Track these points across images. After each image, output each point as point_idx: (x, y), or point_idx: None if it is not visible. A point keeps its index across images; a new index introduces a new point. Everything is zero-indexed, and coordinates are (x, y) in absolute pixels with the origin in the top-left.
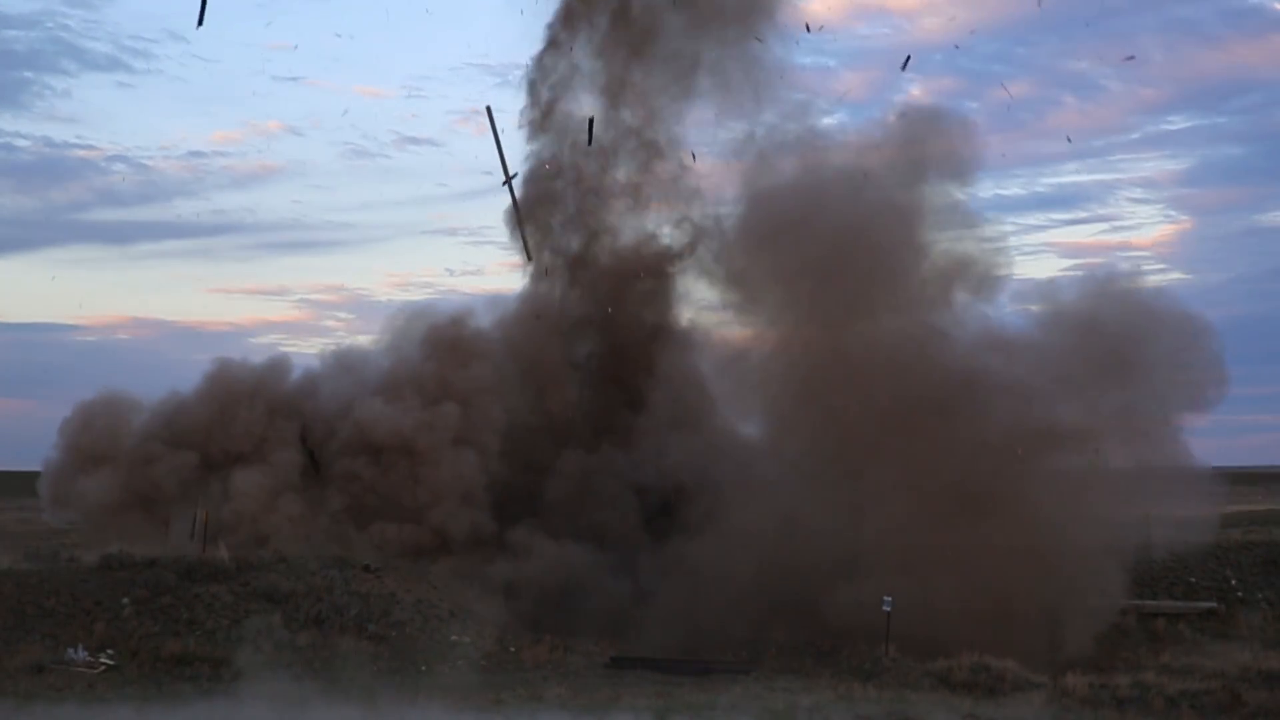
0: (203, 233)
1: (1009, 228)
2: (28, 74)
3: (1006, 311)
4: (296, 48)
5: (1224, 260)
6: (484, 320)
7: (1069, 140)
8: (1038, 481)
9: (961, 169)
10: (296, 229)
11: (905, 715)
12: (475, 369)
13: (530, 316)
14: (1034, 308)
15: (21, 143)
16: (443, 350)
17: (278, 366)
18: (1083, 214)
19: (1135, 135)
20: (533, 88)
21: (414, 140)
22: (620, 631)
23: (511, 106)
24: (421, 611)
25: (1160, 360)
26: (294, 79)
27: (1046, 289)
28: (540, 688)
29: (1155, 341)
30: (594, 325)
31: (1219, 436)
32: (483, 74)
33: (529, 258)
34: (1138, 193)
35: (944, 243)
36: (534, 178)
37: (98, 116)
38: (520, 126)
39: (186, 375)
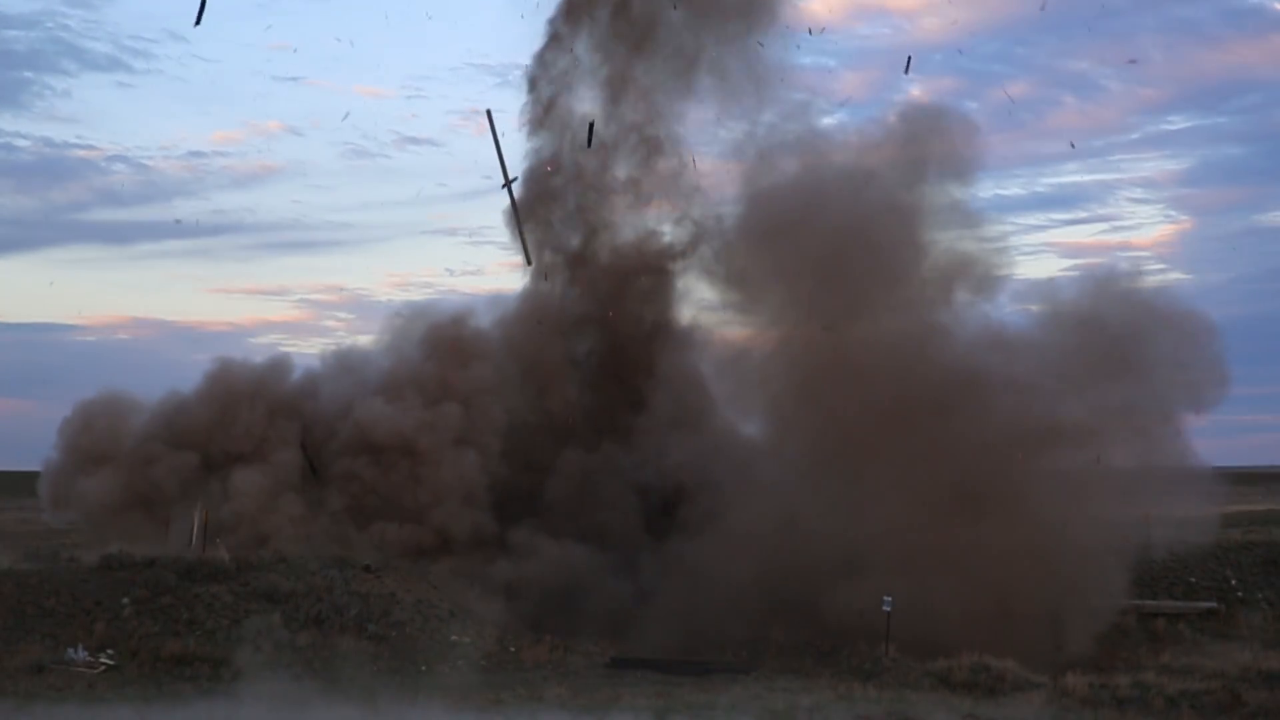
0: (203, 233)
1: (1009, 228)
2: (28, 74)
3: (1007, 311)
4: (296, 51)
5: (1224, 260)
6: (484, 320)
7: (1072, 145)
8: (1039, 481)
9: (962, 168)
10: (296, 229)
11: (905, 715)
12: (476, 369)
13: (531, 318)
14: (1034, 307)
15: (21, 143)
16: (443, 350)
17: (278, 366)
18: (1083, 214)
19: (1135, 135)
20: (533, 84)
21: (414, 140)
22: (621, 632)
23: (511, 107)
24: (421, 611)
25: (1162, 359)
26: (294, 79)
27: (1046, 289)
28: (540, 688)
29: (1157, 340)
30: (594, 323)
31: (1219, 436)
32: (483, 74)
33: (529, 262)
34: (1138, 193)
35: (945, 242)
36: (535, 176)
37: (98, 116)
38: (521, 127)
39: (186, 375)
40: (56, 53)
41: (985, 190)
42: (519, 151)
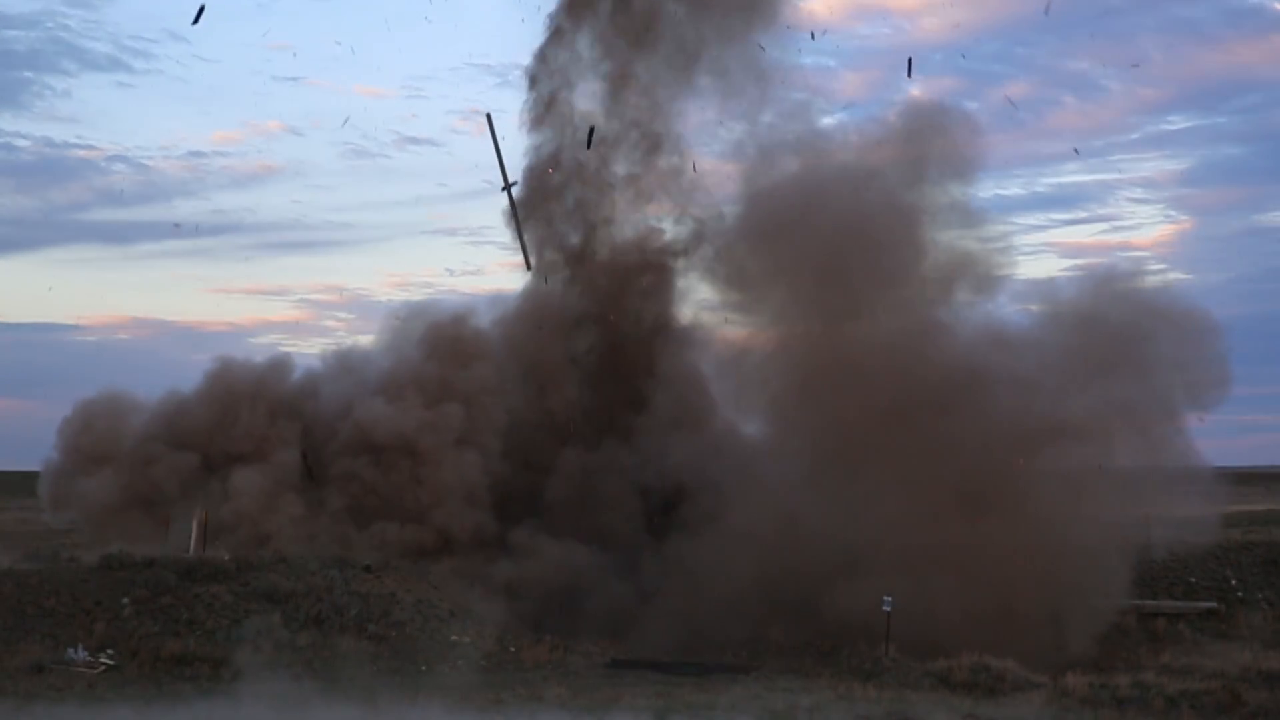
0: (203, 233)
1: (1009, 228)
2: (28, 74)
3: (1007, 311)
4: (295, 56)
5: (1224, 260)
6: (485, 319)
7: (1076, 151)
8: (1039, 480)
9: (963, 167)
10: (296, 229)
11: (905, 715)
12: (477, 368)
13: (532, 317)
14: (1034, 307)
15: (21, 143)
16: (444, 350)
17: (279, 366)
18: (1083, 214)
19: (1135, 135)
20: (534, 80)
21: (414, 140)
22: (622, 632)
23: (511, 107)
24: (421, 611)
25: (1163, 358)
26: (294, 79)
27: (1046, 288)
28: (540, 688)
29: (1158, 338)
30: (594, 321)
31: (1219, 436)
32: (483, 74)
33: (529, 266)
34: (1138, 193)
35: (945, 241)
36: (535, 173)
37: (98, 116)
38: (522, 125)
39: (186, 375)
40: (56, 53)
41: (985, 190)
42: (519, 148)
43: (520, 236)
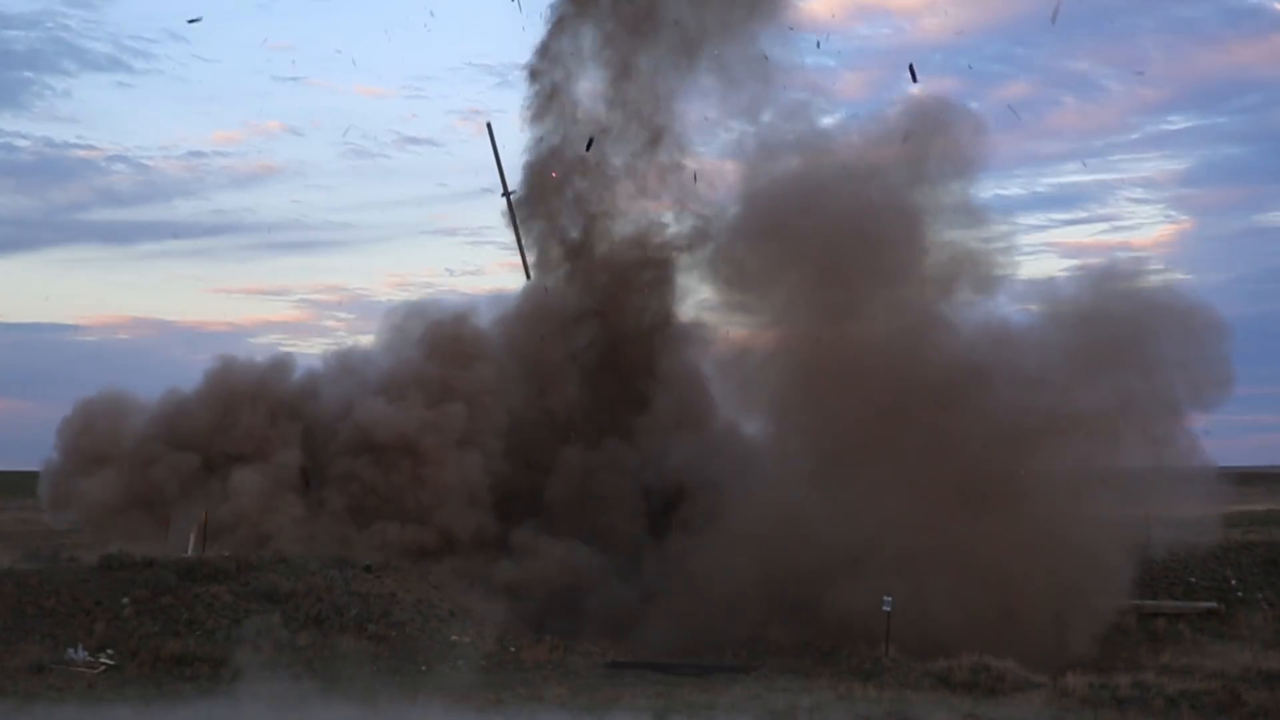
0: (203, 233)
1: (1009, 227)
2: (28, 74)
3: (1008, 311)
4: (294, 63)
5: (1224, 260)
6: (485, 318)
7: (1084, 165)
8: (1040, 479)
9: (965, 165)
10: (296, 229)
11: (905, 715)
12: (477, 368)
13: (533, 316)
14: (1034, 307)
15: (21, 143)
16: (444, 349)
17: (280, 366)
18: (1083, 214)
19: (1135, 135)
20: (536, 72)
21: (414, 140)
22: (623, 632)
23: (511, 107)
24: (421, 611)
25: (1165, 356)
26: (294, 79)
27: (1046, 288)
28: (540, 688)
29: (1159, 337)
30: (595, 317)
31: (1219, 436)
32: (483, 74)
33: (529, 276)
34: (1138, 193)
35: (947, 240)
36: (536, 170)
37: (98, 116)
38: (523, 119)
39: (186, 375)
40: (56, 53)
41: (985, 190)
42: (521, 143)
43: (520, 245)
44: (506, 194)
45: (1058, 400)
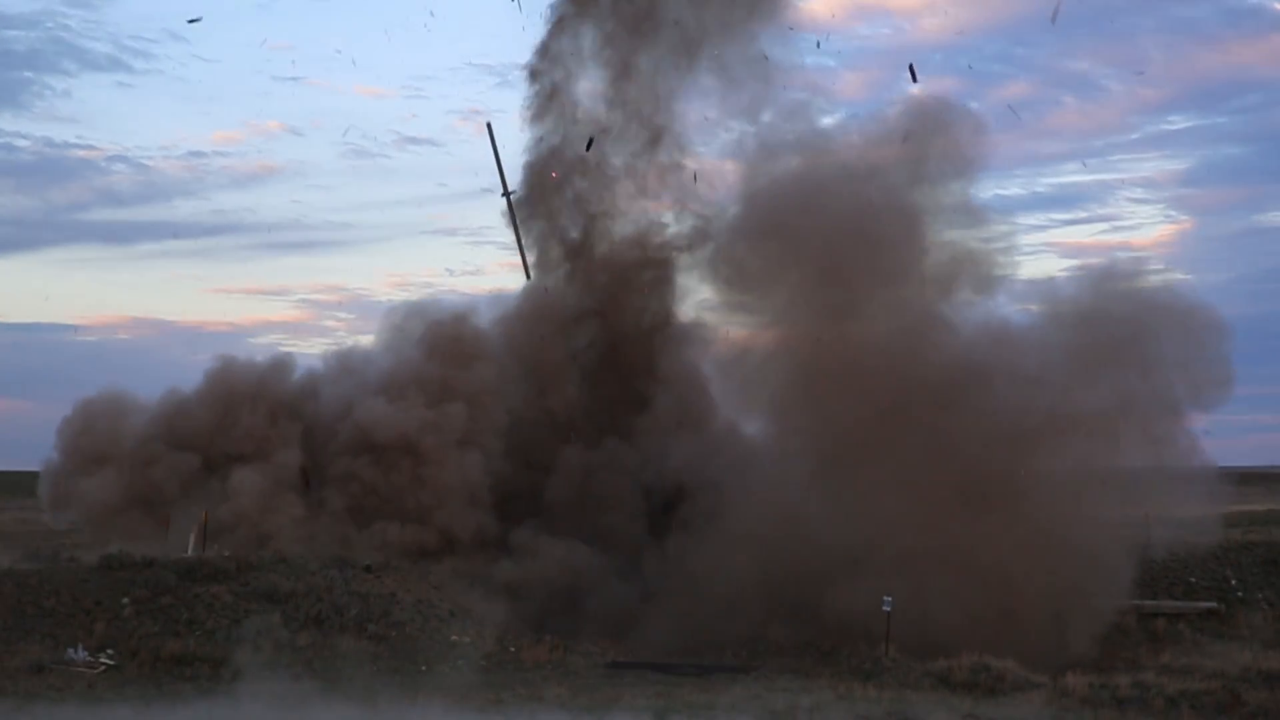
0: (203, 233)
1: (1009, 227)
2: (28, 74)
3: (1008, 311)
4: (294, 63)
5: (1224, 260)
6: (485, 317)
7: (1084, 165)
8: (1041, 479)
9: (965, 165)
10: (296, 229)
11: (905, 715)
12: (478, 368)
13: (533, 315)
14: (1034, 307)
15: (21, 143)
16: (444, 349)
17: (280, 366)
18: (1083, 214)
19: (1135, 135)
20: (536, 72)
21: (414, 140)
22: (623, 632)
23: (511, 107)
24: (421, 611)
25: (1166, 355)
26: (294, 79)
27: (1046, 288)
28: (540, 688)
29: (1161, 336)
30: (595, 316)
31: (1219, 436)
32: (483, 74)
33: (529, 277)
34: (1138, 193)
35: (947, 239)
36: (536, 170)
37: (98, 116)
38: (523, 118)
39: (186, 375)
40: (56, 53)
41: (985, 190)
42: (521, 143)
43: (520, 245)
44: (506, 194)
45: (1058, 400)
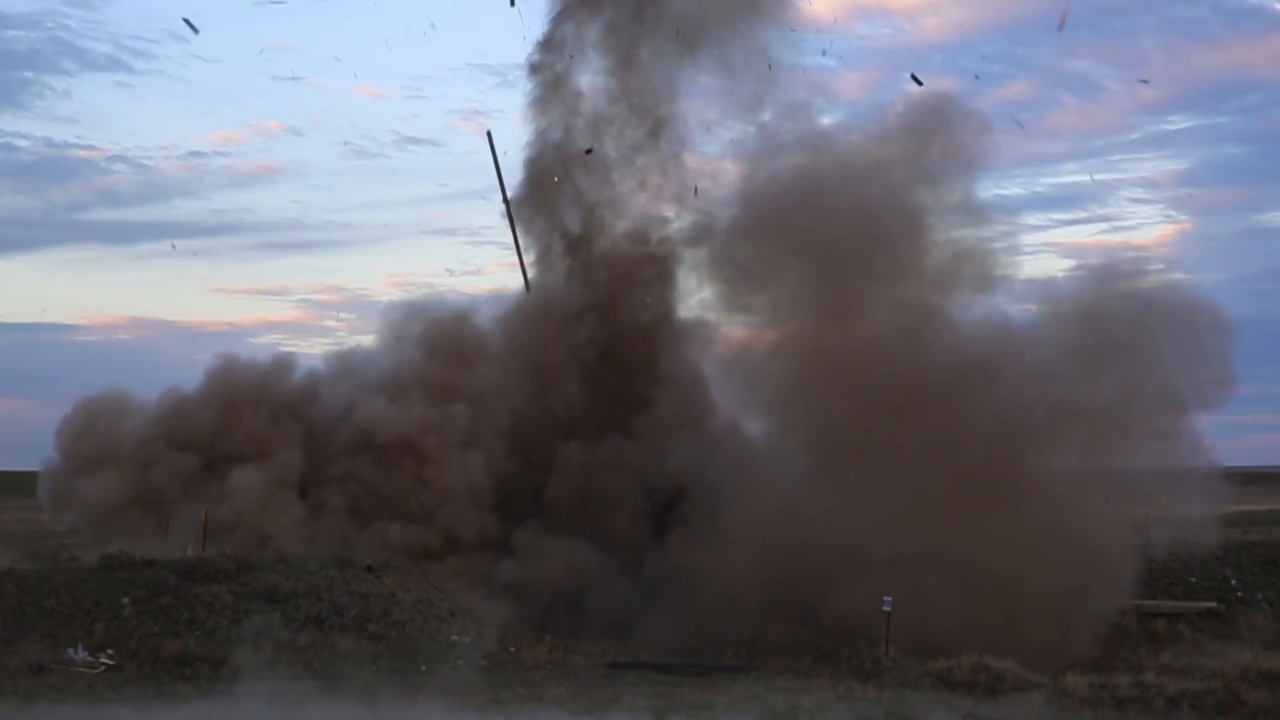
0: (203, 233)
1: (1009, 227)
2: (28, 74)
3: (1007, 310)
4: (295, 63)
5: (1224, 260)
6: (486, 316)
7: (1091, 179)
8: (1041, 478)
9: (966, 163)
10: (296, 229)
11: (905, 715)
12: (479, 368)
13: (534, 314)
14: (1034, 307)
15: (21, 143)
16: (445, 349)
17: (281, 366)
18: (1083, 214)
19: (1135, 135)
20: (537, 65)
21: (414, 140)
22: (624, 632)
23: (511, 107)
24: (421, 611)
25: (1167, 354)
26: (294, 79)
27: (1046, 288)
28: (540, 688)
29: (1162, 335)
30: (595, 313)
31: (1219, 436)
32: (483, 74)
33: (528, 289)
34: (1138, 193)
35: (948, 238)
36: (538, 167)
37: (98, 116)
38: (525, 112)
39: (186, 375)
40: (56, 53)
41: (985, 190)
42: (521, 143)
43: (520, 256)
44: (506, 203)
45: (1058, 400)
